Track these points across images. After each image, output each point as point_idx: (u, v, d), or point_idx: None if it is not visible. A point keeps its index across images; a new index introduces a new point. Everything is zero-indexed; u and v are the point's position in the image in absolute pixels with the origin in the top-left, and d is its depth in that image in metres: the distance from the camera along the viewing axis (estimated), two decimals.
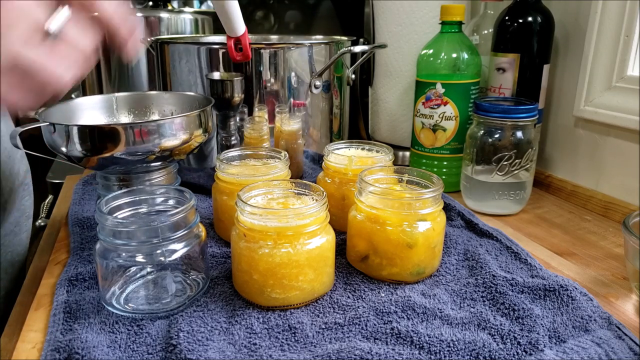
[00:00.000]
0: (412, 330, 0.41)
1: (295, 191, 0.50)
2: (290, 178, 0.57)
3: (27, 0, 0.31)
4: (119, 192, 0.48)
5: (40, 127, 0.51)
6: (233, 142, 0.70)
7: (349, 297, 0.48)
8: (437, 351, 0.39)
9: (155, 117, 0.66)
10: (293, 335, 0.42)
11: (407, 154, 0.87)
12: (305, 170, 0.76)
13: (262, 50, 0.66)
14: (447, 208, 0.65)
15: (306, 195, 0.50)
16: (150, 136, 0.51)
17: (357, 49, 0.73)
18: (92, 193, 0.74)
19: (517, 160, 0.64)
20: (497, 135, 0.65)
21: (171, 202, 0.49)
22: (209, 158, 0.73)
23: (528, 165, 0.65)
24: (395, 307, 0.44)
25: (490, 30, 0.79)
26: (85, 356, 0.38)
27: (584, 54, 0.69)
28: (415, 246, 0.48)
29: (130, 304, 0.45)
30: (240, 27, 0.63)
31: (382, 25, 0.85)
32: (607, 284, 0.51)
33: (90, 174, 0.82)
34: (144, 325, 0.43)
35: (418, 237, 0.48)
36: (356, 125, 0.96)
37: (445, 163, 0.75)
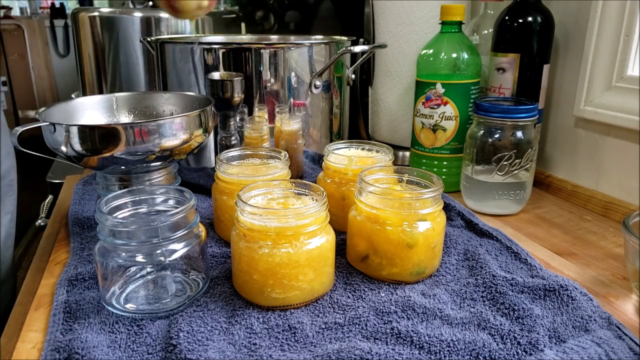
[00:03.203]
0: (412, 330, 0.41)
1: (295, 191, 0.50)
2: (290, 178, 0.57)
3: None
4: (119, 192, 0.48)
5: (40, 126, 0.51)
6: (233, 142, 0.70)
7: (349, 297, 0.48)
8: (437, 351, 0.39)
9: (155, 117, 0.66)
10: (293, 335, 0.42)
11: (407, 154, 0.87)
12: (305, 170, 0.76)
13: (262, 50, 0.66)
14: (447, 208, 0.65)
15: (306, 195, 0.49)
16: (150, 136, 0.51)
17: (357, 49, 0.73)
18: (92, 193, 0.74)
19: (517, 160, 0.64)
20: (497, 135, 0.65)
21: (171, 202, 0.49)
22: (209, 158, 0.73)
23: (528, 165, 0.65)
24: (395, 307, 0.44)
25: (490, 30, 0.79)
26: (85, 356, 0.38)
27: (584, 54, 0.69)
28: (415, 246, 0.48)
29: (130, 304, 0.45)
30: None
31: (382, 25, 0.85)
32: (607, 284, 0.51)
33: (90, 174, 0.82)
34: (144, 325, 0.43)
35: (418, 237, 0.48)
36: (356, 125, 0.96)
37: (445, 163, 0.75)
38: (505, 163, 0.64)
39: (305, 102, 0.72)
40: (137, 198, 0.49)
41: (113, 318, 0.43)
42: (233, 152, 0.60)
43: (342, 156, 0.59)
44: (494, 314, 0.44)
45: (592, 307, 0.44)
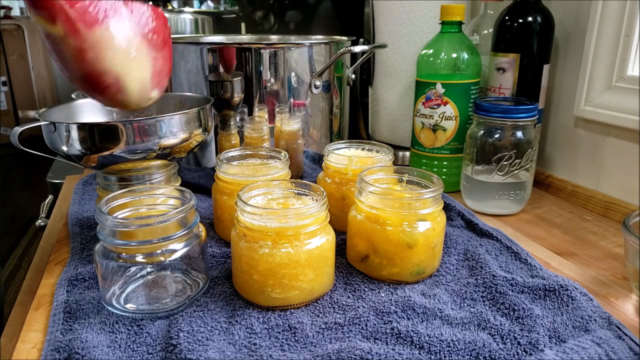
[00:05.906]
0: (412, 330, 0.41)
1: (295, 191, 0.50)
2: (290, 178, 0.57)
3: None
4: (119, 192, 0.48)
5: (40, 126, 0.51)
6: (233, 142, 0.70)
7: (349, 297, 0.48)
8: (437, 351, 0.39)
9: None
10: (293, 335, 0.42)
11: (407, 154, 0.87)
12: (305, 170, 0.76)
13: (262, 50, 0.66)
14: (447, 208, 0.65)
15: (306, 195, 0.49)
16: (149, 133, 0.51)
17: (357, 49, 0.73)
18: (92, 193, 0.74)
19: (517, 160, 0.64)
20: (497, 135, 0.65)
21: (171, 202, 0.49)
22: (209, 158, 0.73)
23: (528, 165, 0.65)
24: (395, 307, 0.44)
25: (490, 30, 0.79)
26: (85, 356, 0.38)
27: (584, 54, 0.69)
28: (415, 246, 0.48)
29: (130, 304, 0.45)
30: None
31: (382, 25, 0.85)
32: (607, 284, 0.51)
33: (90, 174, 0.82)
34: (144, 325, 0.43)
35: (418, 237, 0.48)
36: (356, 125, 0.96)
37: (445, 163, 0.75)
38: (505, 163, 0.64)
39: (305, 102, 0.72)
40: (137, 198, 0.49)
41: (113, 318, 0.43)
42: (233, 152, 0.60)
43: (342, 156, 0.59)
44: (494, 314, 0.44)
45: (592, 307, 0.44)
